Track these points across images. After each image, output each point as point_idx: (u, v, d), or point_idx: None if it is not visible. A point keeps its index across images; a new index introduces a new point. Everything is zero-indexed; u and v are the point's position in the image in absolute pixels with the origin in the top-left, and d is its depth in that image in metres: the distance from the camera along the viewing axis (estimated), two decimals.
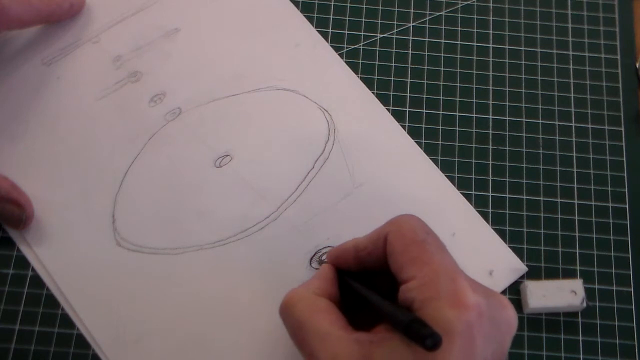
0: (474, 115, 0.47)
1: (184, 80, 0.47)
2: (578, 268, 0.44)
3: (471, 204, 0.45)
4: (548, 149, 0.47)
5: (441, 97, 0.48)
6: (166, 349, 0.40)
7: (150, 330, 0.41)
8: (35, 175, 0.44)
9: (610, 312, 0.43)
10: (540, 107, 0.48)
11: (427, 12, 0.50)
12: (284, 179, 0.44)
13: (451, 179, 0.45)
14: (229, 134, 0.45)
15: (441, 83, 0.48)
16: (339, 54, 0.48)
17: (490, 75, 0.48)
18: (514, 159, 0.46)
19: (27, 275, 0.42)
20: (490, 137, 0.47)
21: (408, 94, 0.48)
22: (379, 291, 0.34)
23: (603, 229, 0.45)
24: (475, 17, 0.50)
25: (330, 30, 0.49)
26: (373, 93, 0.47)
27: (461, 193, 0.45)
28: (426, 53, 0.49)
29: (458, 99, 0.48)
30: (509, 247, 0.44)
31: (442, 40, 0.49)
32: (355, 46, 0.49)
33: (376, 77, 0.48)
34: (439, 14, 0.50)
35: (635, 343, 0.42)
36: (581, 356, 0.42)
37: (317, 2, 0.50)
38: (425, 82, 0.48)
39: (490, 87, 0.48)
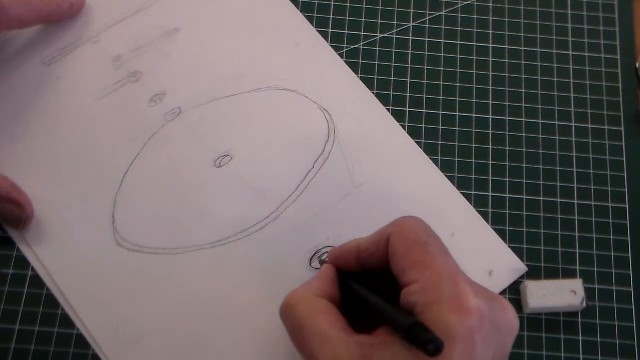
0: (474, 115, 0.47)
1: (184, 80, 0.47)
2: (578, 268, 0.44)
3: (471, 204, 0.45)
4: (548, 149, 0.47)
5: (441, 97, 0.48)
6: (166, 349, 0.40)
7: (150, 330, 0.41)
8: (35, 175, 0.44)
9: (610, 312, 0.43)
10: (540, 107, 0.48)
11: (427, 12, 0.50)
12: (284, 179, 0.44)
13: (451, 179, 0.45)
14: (229, 134, 0.45)
15: (441, 83, 0.48)
16: (339, 54, 0.48)
17: (490, 75, 0.48)
18: (514, 159, 0.46)
19: (27, 275, 0.42)
20: (490, 137, 0.47)
21: (408, 94, 0.48)
22: (380, 293, 0.34)
23: (603, 229, 0.45)
24: (475, 17, 0.50)
25: (330, 30, 0.49)
26: (373, 93, 0.47)
27: (461, 193, 0.45)
28: (426, 53, 0.49)
29: (458, 99, 0.48)
30: (509, 247, 0.44)
31: (442, 40, 0.49)
32: (355, 46, 0.49)
33: (376, 77, 0.48)
34: (439, 14, 0.50)
35: (635, 343, 0.42)
36: (581, 356, 0.42)
37: (317, 2, 0.50)
38: (425, 82, 0.48)
39: (490, 87, 0.48)
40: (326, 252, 0.42)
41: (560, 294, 0.42)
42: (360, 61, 0.48)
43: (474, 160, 0.46)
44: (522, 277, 0.43)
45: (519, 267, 0.43)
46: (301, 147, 0.45)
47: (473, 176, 0.46)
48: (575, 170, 0.46)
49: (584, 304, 0.42)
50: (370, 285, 0.35)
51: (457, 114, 0.47)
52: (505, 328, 0.32)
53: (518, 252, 0.44)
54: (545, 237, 0.44)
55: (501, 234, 0.44)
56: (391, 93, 0.48)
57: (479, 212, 0.44)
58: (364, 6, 0.50)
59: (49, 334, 0.41)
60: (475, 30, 0.50)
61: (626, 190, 0.46)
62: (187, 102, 0.46)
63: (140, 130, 0.45)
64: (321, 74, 0.47)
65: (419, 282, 0.31)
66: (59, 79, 0.47)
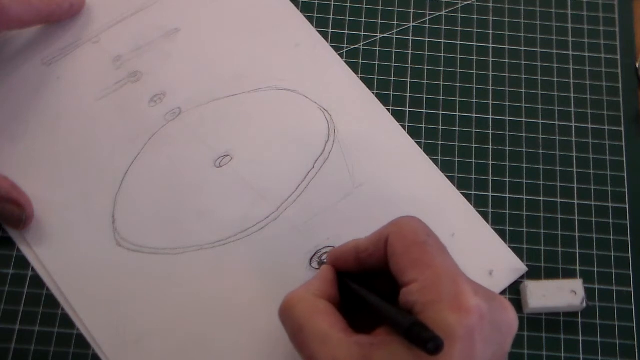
0: (474, 115, 0.47)
1: (184, 80, 0.47)
2: (578, 268, 0.44)
3: (471, 204, 0.45)
4: (548, 149, 0.47)
5: (441, 97, 0.48)
6: (166, 349, 0.40)
7: (150, 330, 0.41)
8: (35, 175, 0.44)
9: (610, 312, 0.43)
10: (540, 107, 0.48)
11: (427, 12, 0.50)
12: (284, 179, 0.44)
13: (451, 179, 0.45)
14: (229, 134, 0.45)
15: (441, 83, 0.48)
16: (339, 54, 0.48)
17: (490, 75, 0.48)
18: (514, 159, 0.46)
19: (27, 275, 0.42)
20: (490, 137, 0.47)
21: (408, 94, 0.48)
22: (379, 293, 0.34)
23: (603, 229, 0.45)
24: (475, 17, 0.50)
25: (330, 30, 0.49)
26: (373, 93, 0.47)
27: (461, 193, 0.45)
28: (426, 53, 0.49)
29: (458, 99, 0.48)
30: (509, 247, 0.44)
31: (442, 40, 0.49)
32: (355, 46, 0.49)
33: (376, 77, 0.48)
34: (439, 14, 0.50)
35: (635, 343, 0.42)
36: (581, 356, 0.42)
37: (317, 2, 0.50)
38: (425, 82, 0.48)
39: (490, 87, 0.48)
40: (326, 253, 0.42)
41: (560, 294, 0.42)
42: (360, 61, 0.48)
43: (474, 160, 0.46)
44: (522, 277, 0.43)
45: (519, 267, 0.43)
46: (301, 147, 0.45)
47: (473, 176, 0.46)
48: (575, 170, 0.46)
49: (584, 304, 0.42)
50: (369, 285, 0.35)
51: (457, 114, 0.47)
52: (505, 327, 0.32)
53: (518, 252, 0.44)
54: (545, 237, 0.44)
55: (501, 234, 0.44)
56: (391, 93, 0.48)
57: (479, 212, 0.44)
58: (364, 6, 0.50)
59: (49, 334, 0.41)
60: (475, 30, 0.50)
61: (626, 190, 0.46)
62: (187, 102, 0.46)
63: (140, 130, 0.45)
64: (321, 74, 0.47)
65: (418, 281, 0.31)
66: (59, 79, 0.47)
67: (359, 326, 0.33)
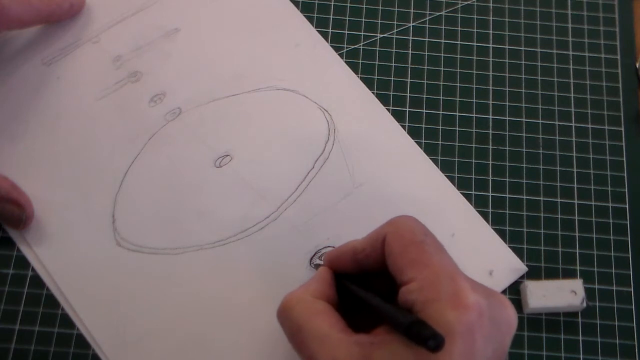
0: (474, 115, 0.47)
1: (184, 80, 0.47)
2: (578, 268, 0.44)
3: (471, 204, 0.45)
4: (548, 149, 0.47)
5: (441, 97, 0.48)
6: (166, 349, 0.40)
7: (150, 330, 0.41)
8: (35, 175, 0.44)
9: (610, 312, 0.43)
10: (540, 107, 0.48)
11: (427, 12, 0.50)
12: (284, 179, 0.44)
13: (451, 179, 0.45)
14: (229, 134, 0.45)
15: (441, 83, 0.48)
16: (339, 54, 0.48)
17: (490, 75, 0.48)
18: (514, 159, 0.46)
19: (27, 275, 0.42)
20: (490, 137, 0.47)
21: (408, 94, 0.48)
22: (377, 293, 0.34)
23: (603, 229, 0.45)
24: (475, 17, 0.50)
25: (330, 30, 0.49)
26: (373, 93, 0.47)
27: (461, 193, 0.45)
28: (426, 53, 0.49)
29: (458, 99, 0.48)
30: (509, 247, 0.44)
31: (442, 40, 0.49)
32: (355, 46, 0.49)
33: (376, 77, 0.48)
34: (439, 14, 0.50)
35: (635, 343, 0.42)
36: (581, 356, 0.42)
37: (317, 2, 0.50)
38: (425, 82, 0.48)
39: (490, 87, 0.48)
40: (326, 253, 0.42)
41: (560, 294, 0.42)
42: (360, 61, 0.48)
43: (474, 160, 0.46)
44: (522, 277, 0.43)
45: (519, 267, 0.43)
46: (301, 147, 0.45)
47: (473, 176, 0.46)
48: (575, 170, 0.46)
49: (584, 304, 0.42)
50: (367, 286, 0.35)
51: (457, 114, 0.47)
52: (505, 324, 0.32)
53: (518, 252, 0.44)
54: (545, 237, 0.44)
55: (501, 234, 0.44)
56: (391, 93, 0.48)
57: (479, 212, 0.44)
58: (364, 6, 0.50)
59: (49, 334, 0.41)
60: (475, 30, 0.50)
61: (626, 190, 0.46)
62: (187, 102, 0.46)
63: (140, 130, 0.45)
64: (321, 74, 0.47)
65: (416, 280, 0.31)
66: (59, 79, 0.47)
67: (357, 327, 0.33)
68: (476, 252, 0.43)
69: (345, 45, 0.49)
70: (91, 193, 0.44)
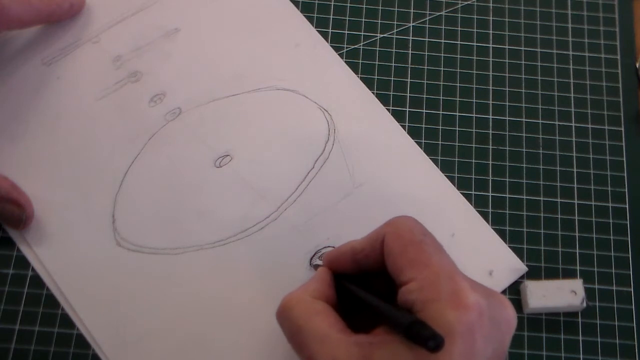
0: (474, 115, 0.47)
1: (184, 80, 0.47)
2: (578, 268, 0.44)
3: (471, 204, 0.45)
4: (548, 149, 0.47)
5: (441, 97, 0.48)
6: (166, 349, 0.40)
7: (150, 330, 0.41)
8: (35, 175, 0.44)
9: (610, 312, 0.43)
10: (540, 107, 0.48)
11: (427, 12, 0.50)
12: (284, 179, 0.44)
13: (451, 179, 0.45)
14: (229, 134, 0.45)
15: (441, 83, 0.48)
16: (339, 54, 0.48)
17: (490, 75, 0.48)
18: (514, 159, 0.46)
19: (27, 275, 0.42)
20: (490, 137, 0.47)
21: (408, 94, 0.48)
22: (377, 293, 0.34)
23: (603, 229, 0.45)
24: (475, 17, 0.50)
25: (330, 30, 0.49)
26: (373, 93, 0.47)
27: (461, 193, 0.45)
28: (426, 53, 0.49)
29: (458, 99, 0.48)
30: (509, 247, 0.44)
31: (442, 40, 0.49)
32: (355, 46, 0.49)
33: (376, 77, 0.48)
34: (439, 14, 0.50)
35: (635, 343, 0.42)
36: (581, 356, 0.42)
37: (317, 2, 0.50)
38: (425, 82, 0.48)
39: (490, 87, 0.48)
40: (326, 252, 0.42)
41: (560, 294, 0.42)
42: (360, 61, 0.48)
43: (474, 160, 0.46)
44: (522, 277, 0.43)
45: (519, 267, 0.43)
46: (301, 147, 0.45)
47: (473, 176, 0.46)
48: (575, 170, 0.46)
49: (584, 304, 0.42)
50: (365, 285, 0.35)
51: (457, 114, 0.47)
52: (504, 324, 0.32)
53: (518, 252, 0.44)
54: (545, 237, 0.44)
55: (501, 234, 0.44)
56: (391, 93, 0.48)
57: (479, 212, 0.44)
58: (364, 6, 0.50)
59: (49, 334, 0.41)
60: (475, 30, 0.50)
61: (626, 190, 0.46)
62: (187, 102, 0.46)
63: (140, 130, 0.45)
64: (321, 74, 0.47)
65: (416, 280, 0.31)
66: (59, 79, 0.47)
67: (357, 328, 0.33)
68: (476, 252, 0.43)
69: (345, 45, 0.49)
70: (91, 193, 0.44)
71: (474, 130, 0.47)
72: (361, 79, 0.48)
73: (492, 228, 0.44)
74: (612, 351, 0.42)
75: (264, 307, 0.41)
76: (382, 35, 0.49)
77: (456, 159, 0.46)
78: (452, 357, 0.29)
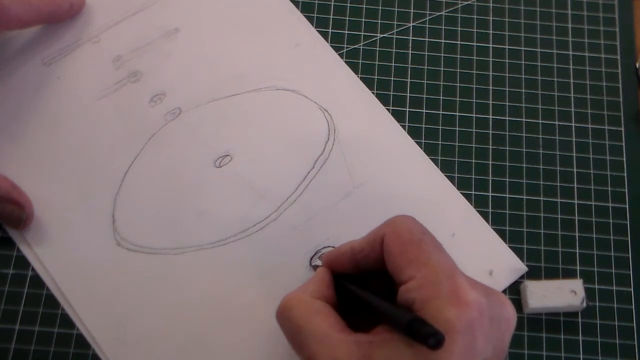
0: (474, 115, 0.47)
1: (184, 80, 0.47)
2: (578, 268, 0.44)
3: (471, 204, 0.45)
4: (548, 149, 0.47)
5: (441, 97, 0.48)
6: (166, 348, 0.40)
7: (150, 330, 0.41)
8: (35, 176, 0.44)
9: (610, 312, 0.43)
10: (540, 107, 0.48)
11: (427, 12, 0.50)
12: (284, 179, 0.44)
13: (451, 179, 0.45)
14: (229, 134, 0.45)
15: (441, 83, 0.48)
16: (339, 54, 0.48)
17: (490, 75, 0.48)
18: (514, 159, 0.46)
19: (27, 275, 0.42)
20: (490, 137, 0.47)
21: (408, 94, 0.48)
22: (376, 293, 0.34)
23: (603, 229, 0.45)
24: (475, 17, 0.50)
25: (330, 30, 0.49)
26: (373, 93, 0.47)
27: (461, 193, 0.45)
28: (426, 53, 0.49)
29: (458, 99, 0.48)
30: (509, 247, 0.44)
31: (442, 40, 0.49)
32: (355, 46, 0.49)
33: (376, 77, 0.48)
34: (439, 14, 0.50)
35: (635, 343, 0.42)
36: (581, 356, 0.42)
37: (317, 2, 0.50)
38: (425, 82, 0.48)
39: (490, 87, 0.48)
40: (326, 253, 0.42)
41: (560, 294, 0.42)
42: (360, 61, 0.48)
43: (474, 160, 0.46)
44: (522, 277, 0.43)
45: (519, 267, 0.43)
46: (301, 147, 0.45)
47: (473, 176, 0.46)
48: (575, 170, 0.46)
49: (584, 304, 0.42)
50: (366, 286, 0.35)
51: (457, 114, 0.47)
52: (504, 322, 0.32)
53: (518, 252, 0.44)
54: (545, 237, 0.44)
55: (501, 234, 0.44)
56: (391, 93, 0.48)
57: (479, 212, 0.44)
58: (364, 6, 0.50)
59: (49, 334, 0.41)
60: (475, 30, 0.50)
61: (626, 190, 0.46)
62: (187, 102, 0.46)
63: (140, 130, 0.45)
64: (321, 74, 0.47)
65: (415, 278, 0.31)
66: (59, 79, 0.47)
67: (357, 327, 0.33)
68: (476, 252, 0.43)
69: (345, 45, 0.49)
70: (91, 193, 0.44)
71: (474, 130, 0.47)
72: (361, 79, 0.48)
73: (492, 228, 0.44)
74: (612, 351, 0.42)
75: (264, 307, 0.41)
76: (382, 35, 0.49)
77: (456, 159, 0.46)
78: (453, 354, 0.29)
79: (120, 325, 0.41)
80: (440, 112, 0.47)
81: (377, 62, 0.48)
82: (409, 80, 0.48)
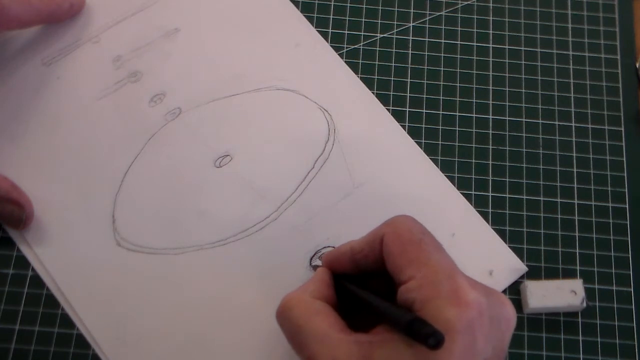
0: (474, 115, 0.47)
1: (184, 80, 0.47)
2: (578, 268, 0.44)
3: (471, 204, 0.45)
4: (548, 149, 0.47)
5: (441, 97, 0.48)
6: (166, 348, 0.40)
7: (150, 330, 0.41)
8: (35, 175, 0.44)
9: (610, 312, 0.43)
10: (540, 107, 0.48)
11: (427, 12, 0.50)
12: (284, 179, 0.44)
13: (451, 179, 0.45)
14: (229, 134, 0.45)
15: (441, 83, 0.48)
16: (339, 54, 0.48)
17: (490, 75, 0.48)
18: (514, 159, 0.46)
19: (27, 275, 0.42)
20: (490, 137, 0.47)
21: (408, 94, 0.48)
22: (376, 293, 0.34)
23: (603, 229, 0.45)
24: (475, 17, 0.50)
25: (330, 30, 0.49)
26: (373, 93, 0.47)
27: (461, 193, 0.45)
28: (426, 53, 0.49)
29: (458, 99, 0.48)
30: (509, 247, 0.44)
31: (442, 40, 0.49)
32: (355, 46, 0.49)
33: (376, 77, 0.48)
34: (439, 14, 0.50)
35: (635, 343, 0.42)
36: (581, 356, 0.42)
37: (317, 2, 0.50)
38: (425, 82, 0.48)
39: (490, 87, 0.48)
40: (326, 253, 0.42)
41: (560, 294, 0.42)
42: (360, 61, 0.48)
43: (474, 160, 0.46)
44: (522, 277, 0.43)
45: (519, 267, 0.43)
46: (301, 147, 0.45)
47: (473, 176, 0.46)
48: (575, 170, 0.46)
49: (584, 304, 0.42)
50: (365, 286, 0.35)
51: (457, 114, 0.47)
52: (504, 322, 0.32)
53: (518, 252, 0.44)
54: (545, 237, 0.44)
55: (501, 234, 0.44)
56: (391, 93, 0.48)
57: (479, 212, 0.44)
58: (364, 6, 0.50)
59: (49, 334, 0.41)
60: (475, 30, 0.50)
61: (626, 190, 0.46)
62: (187, 102, 0.46)
63: (140, 130, 0.45)
64: (321, 74, 0.47)
65: (415, 278, 0.31)
66: (59, 79, 0.47)
67: (357, 327, 0.33)
68: (476, 252, 0.43)
69: (345, 45, 0.49)
70: (91, 193, 0.44)
71: (474, 130, 0.47)
72: (361, 79, 0.48)
73: (492, 228, 0.44)
74: (612, 351, 0.42)
75: (264, 307, 0.41)
76: (382, 35, 0.49)
77: (456, 159, 0.46)
78: (452, 354, 0.29)
79: (120, 325, 0.41)
80: (440, 112, 0.47)
81: (377, 62, 0.48)
82: (409, 80, 0.48)
